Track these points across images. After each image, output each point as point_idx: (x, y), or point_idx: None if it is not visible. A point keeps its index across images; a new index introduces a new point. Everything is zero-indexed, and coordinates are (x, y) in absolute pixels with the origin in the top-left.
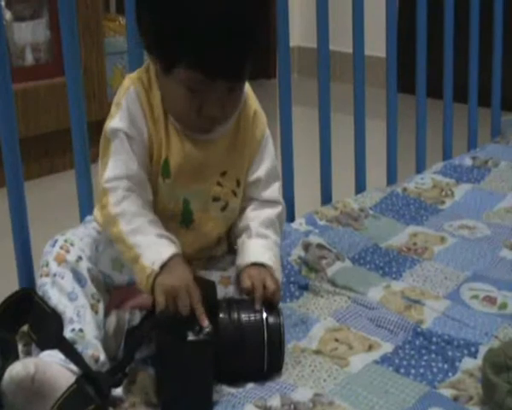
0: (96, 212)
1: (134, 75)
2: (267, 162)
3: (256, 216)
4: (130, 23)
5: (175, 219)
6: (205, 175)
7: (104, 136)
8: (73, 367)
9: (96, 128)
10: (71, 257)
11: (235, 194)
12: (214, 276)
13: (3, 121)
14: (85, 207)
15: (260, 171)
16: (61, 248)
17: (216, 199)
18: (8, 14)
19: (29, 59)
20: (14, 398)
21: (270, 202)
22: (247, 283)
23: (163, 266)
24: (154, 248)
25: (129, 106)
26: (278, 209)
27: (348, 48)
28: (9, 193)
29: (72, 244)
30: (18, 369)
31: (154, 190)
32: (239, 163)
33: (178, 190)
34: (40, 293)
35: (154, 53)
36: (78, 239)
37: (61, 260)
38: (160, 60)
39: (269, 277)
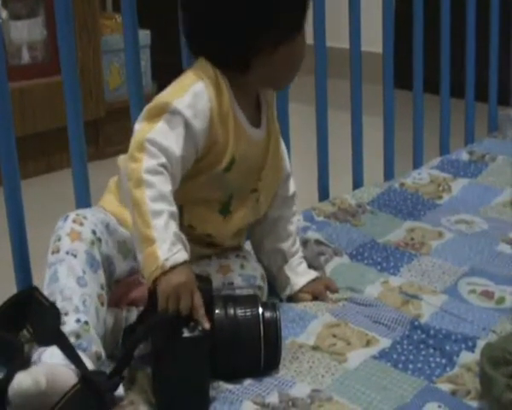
0: (104, 202)
1: (199, 71)
2: (285, 154)
3: (283, 234)
4: (126, 21)
5: (214, 207)
6: (251, 173)
7: (161, 104)
8: (73, 368)
9: (92, 126)
10: (86, 234)
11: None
12: (213, 264)
13: (0, 120)
14: (82, 206)
15: (287, 165)
16: (74, 221)
17: (254, 191)
18: (4, 13)
19: (25, 58)
20: (21, 408)
21: (290, 198)
22: (308, 298)
23: (172, 267)
24: (171, 245)
25: (197, 96)
26: (294, 204)
27: (344, 44)
28: (6, 192)
29: (84, 217)
30: (28, 384)
31: (200, 176)
32: (270, 161)
33: (232, 184)
34: (49, 272)
35: (257, 47)
36: (90, 213)
37: (75, 237)
38: (261, 51)
39: (317, 283)
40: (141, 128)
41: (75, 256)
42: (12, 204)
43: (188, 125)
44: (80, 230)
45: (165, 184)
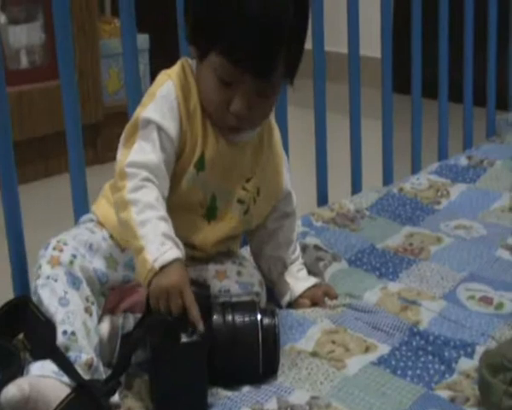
0: (96, 207)
1: (169, 71)
2: (288, 176)
3: (284, 242)
4: (125, 25)
5: (198, 211)
6: (233, 176)
7: (133, 123)
8: (66, 379)
9: (91, 131)
10: (64, 257)
11: (255, 201)
12: (210, 270)
13: None
14: (80, 210)
15: (288, 185)
16: (54, 249)
17: (240, 201)
18: (2, 18)
19: (24, 62)
20: None
21: (291, 213)
22: (307, 304)
23: (163, 267)
24: (159, 246)
25: (164, 98)
26: (295, 218)
27: (343, 48)
28: (4, 197)
29: (65, 243)
30: (13, 392)
31: (180, 182)
32: (261, 173)
33: (210, 184)
34: (34, 297)
35: (194, 38)
36: (71, 238)
37: (54, 263)
38: (197, 45)
39: (316, 289)
40: (120, 157)
41: (56, 280)
42: (9, 209)
43: (160, 128)
44: (59, 255)
45: (149, 195)
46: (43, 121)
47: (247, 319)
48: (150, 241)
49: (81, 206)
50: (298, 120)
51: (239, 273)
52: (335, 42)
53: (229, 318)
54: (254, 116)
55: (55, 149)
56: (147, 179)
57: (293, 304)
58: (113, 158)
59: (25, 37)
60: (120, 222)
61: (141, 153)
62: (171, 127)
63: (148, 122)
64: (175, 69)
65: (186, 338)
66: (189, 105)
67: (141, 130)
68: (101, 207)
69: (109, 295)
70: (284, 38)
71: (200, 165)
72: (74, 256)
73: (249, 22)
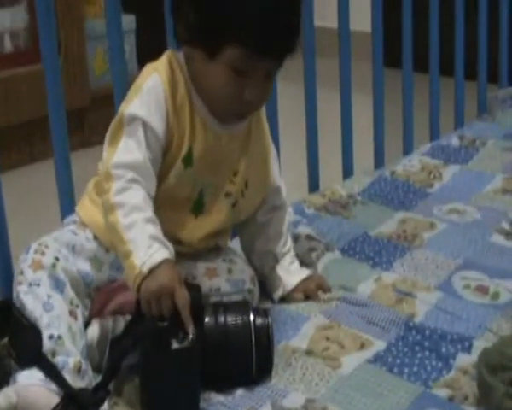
0: (80, 207)
1: (155, 64)
2: (276, 168)
3: (274, 236)
4: (109, 5)
5: (186, 206)
6: (221, 169)
7: (119, 119)
8: (54, 387)
9: (77, 115)
10: (47, 260)
11: (243, 194)
12: (199, 267)
13: None
14: (65, 197)
15: (276, 178)
16: (36, 252)
17: (228, 195)
18: None
19: (8, 46)
20: None
21: (281, 206)
22: (301, 298)
23: (151, 270)
24: (146, 249)
25: (150, 91)
26: (286, 210)
27: (333, 23)
28: None
29: (46, 246)
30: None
31: (167, 177)
32: (248, 166)
33: (198, 179)
34: (17, 302)
35: (198, 39)
36: (53, 240)
37: (36, 267)
38: (205, 45)
39: (309, 282)
40: (106, 156)
41: (38, 285)
42: None
43: (146, 124)
44: (41, 258)
45: (136, 196)
46: (28, 106)
47: (239, 320)
48: (137, 245)
49: (66, 192)
50: (286, 97)
51: (229, 271)
52: (324, 16)
53: (221, 319)
54: (262, 100)
55: (41, 134)
56: (133, 180)
57: (286, 298)
58: (101, 142)
59: (9, 20)
60: (108, 226)
61: (126, 152)
62: (158, 123)
63: (133, 118)
64: (161, 62)
65: (177, 344)
66: (176, 99)
67: (126, 127)
68: (85, 206)
69: (95, 296)
70: (297, 14)
71: (188, 160)
72: (57, 259)
73: (264, 7)
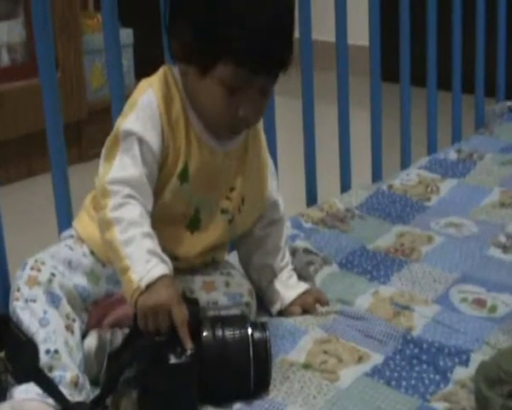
0: (77, 221)
1: (151, 79)
2: (274, 183)
3: (272, 250)
4: (107, 19)
5: (181, 222)
6: (217, 185)
7: (114, 134)
8: (51, 401)
9: (75, 128)
10: (43, 277)
11: (239, 210)
12: (197, 281)
13: None
14: (63, 212)
15: (273, 193)
16: (32, 268)
17: (224, 211)
18: None
19: (5, 60)
20: None
21: (279, 220)
22: (298, 312)
23: (149, 286)
24: (144, 264)
25: (145, 107)
26: (283, 225)
27: (330, 37)
28: None
29: (43, 263)
30: None
31: (163, 193)
32: (245, 182)
33: (193, 195)
34: (13, 317)
35: (192, 55)
36: (49, 257)
37: (32, 283)
38: (198, 61)
39: (307, 296)
40: (102, 172)
41: (34, 301)
42: None
43: (141, 140)
44: (37, 275)
45: (133, 211)
46: (26, 120)
47: (237, 334)
48: (135, 260)
49: (63, 206)
50: (284, 110)
51: (227, 284)
52: (322, 30)
53: (219, 333)
54: (257, 115)
55: (38, 148)
56: (129, 196)
57: (283, 312)
58: (98, 156)
59: (5, 34)
60: (105, 242)
61: (122, 168)
62: (153, 138)
63: (128, 134)
64: (157, 77)
65: (175, 359)
66: (171, 114)
67: (122, 142)
68: (82, 221)
69: (93, 310)
70: (291, 31)
71: (184, 176)
72: (53, 275)
73: (257, 27)
